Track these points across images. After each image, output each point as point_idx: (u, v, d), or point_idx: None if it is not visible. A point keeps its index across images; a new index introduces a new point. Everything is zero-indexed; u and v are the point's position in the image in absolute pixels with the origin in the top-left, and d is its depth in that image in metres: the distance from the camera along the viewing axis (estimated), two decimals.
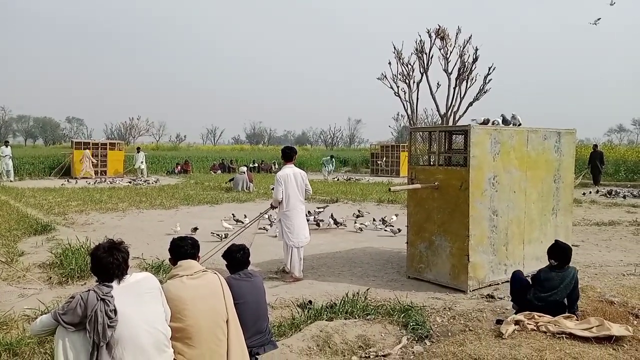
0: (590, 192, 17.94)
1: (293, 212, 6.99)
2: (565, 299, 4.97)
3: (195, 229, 10.09)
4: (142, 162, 26.05)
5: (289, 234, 6.98)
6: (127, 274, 3.22)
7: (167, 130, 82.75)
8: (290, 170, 7.03)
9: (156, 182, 22.45)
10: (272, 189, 7.64)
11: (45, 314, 3.52)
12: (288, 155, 7.15)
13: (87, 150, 25.27)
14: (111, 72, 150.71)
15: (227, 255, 4.33)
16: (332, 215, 11.55)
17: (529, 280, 5.26)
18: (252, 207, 13.96)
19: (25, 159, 26.48)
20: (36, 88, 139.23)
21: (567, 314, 4.80)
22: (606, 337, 4.35)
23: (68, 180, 22.68)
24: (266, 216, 10.48)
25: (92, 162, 25.13)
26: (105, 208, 13.67)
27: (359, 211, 12.56)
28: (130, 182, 22.57)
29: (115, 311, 3.01)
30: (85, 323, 2.96)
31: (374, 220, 11.43)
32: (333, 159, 31.60)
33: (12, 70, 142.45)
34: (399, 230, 10.06)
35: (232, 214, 11.98)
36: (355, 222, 11.26)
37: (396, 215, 11.70)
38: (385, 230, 10.62)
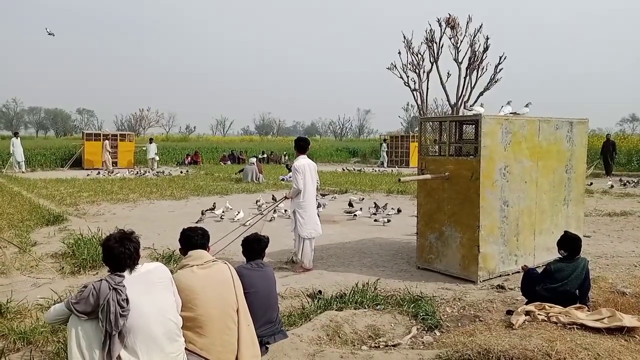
0: (612, 186, 17.15)
1: (308, 203, 6.99)
2: (577, 290, 4.94)
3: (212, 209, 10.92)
4: (155, 153, 26.19)
5: (303, 225, 6.95)
6: (138, 264, 3.25)
7: (176, 121, 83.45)
8: (306, 161, 7.03)
9: (165, 174, 22.47)
10: (282, 179, 7.68)
11: (59, 303, 3.57)
12: (303, 147, 7.16)
13: (107, 141, 25.26)
14: (121, 63, 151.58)
15: (245, 243, 4.38)
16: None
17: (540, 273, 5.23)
18: (262, 197, 13.98)
19: (37, 150, 26.70)
20: (47, 80, 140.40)
21: (578, 305, 4.78)
22: (618, 328, 4.31)
23: (99, 172, 22.30)
24: (280, 206, 10.70)
25: (109, 152, 25.07)
26: (116, 199, 13.77)
27: (349, 205, 12.52)
28: (137, 174, 22.32)
29: (127, 300, 3.04)
30: (98, 312, 2.99)
31: (377, 207, 11.68)
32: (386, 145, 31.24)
33: (23, 62, 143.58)
34: (389, 221, 10.36)
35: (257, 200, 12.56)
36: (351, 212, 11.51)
37: (395, 209, 11.80)
38: (376, 221, 10.63)
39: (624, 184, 17.44)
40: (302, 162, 6.99)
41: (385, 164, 29.57)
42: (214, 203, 12.06)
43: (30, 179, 18.80)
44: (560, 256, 5.06)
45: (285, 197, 7.31)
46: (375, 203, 12.04)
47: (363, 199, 13.76)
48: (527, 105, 6.87)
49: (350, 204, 12.32)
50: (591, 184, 16.87)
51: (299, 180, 6.88)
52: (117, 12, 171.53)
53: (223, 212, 11.16)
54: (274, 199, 12.27)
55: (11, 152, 22.89)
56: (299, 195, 6.94)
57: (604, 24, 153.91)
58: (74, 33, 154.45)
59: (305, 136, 7.86)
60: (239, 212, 10.81)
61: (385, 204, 12.04)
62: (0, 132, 79.44)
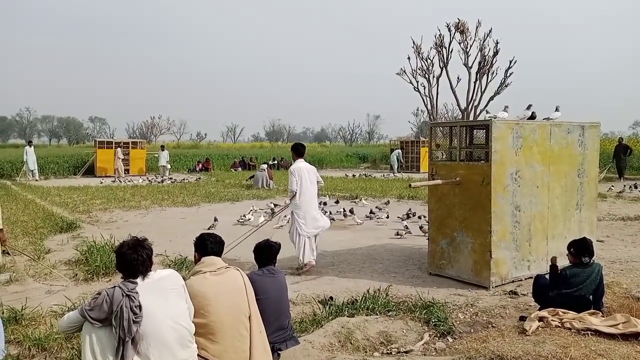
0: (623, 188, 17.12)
1: (305, 204, 7.23)
2: (591, 295, 4.90)
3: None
4: (167, 160, 26.35)
5: (301, 224, 7.18)
6: (151, 271, 3.28)
7: (187, 129, 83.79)
8: (302, 164, 7.35)
9: (176, 181, 22.60)
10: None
11: (72, 310, 3.60)
12: (299, 151, 7.49)
13: (119, 149, 25.47)
14: (133, 72, 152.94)
15: (256, 250, 4.40)
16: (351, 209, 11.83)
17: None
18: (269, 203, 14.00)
19: (50, 159, 26.98)
20: (60, 89, 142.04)
21: (592, 311, 4.73)
22: (633, 334, 4.26)
23: (114, 180, 22.50)
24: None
25: (120, 158, 25.20)
26: (129, 206, 13.88)
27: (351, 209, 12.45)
28: (150, 181, 22.48)
29: (140, 307, 3.06)
30: (111, 319, 3.02)
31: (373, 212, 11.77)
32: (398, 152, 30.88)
33: (36, 72, 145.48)
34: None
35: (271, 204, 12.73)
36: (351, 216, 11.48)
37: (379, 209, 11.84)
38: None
39: (629, 188, 17.04)
40: (298, 165, 7.32)
41: (396, 169, 29.44)
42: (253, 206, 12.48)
43: (44, 187, 19.00)
44: (570, 261, 5.03)
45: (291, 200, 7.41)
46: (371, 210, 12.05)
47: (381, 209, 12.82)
48: (557, 110, 6.89)
49: (372, 212, 12.11)
50: (612, 187, 16.70)
51: (293, 182, 7.21)
52: (129, 21, 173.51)
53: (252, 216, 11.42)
54: (272, 210, 12.09)
55: (24, 160, 23.19)
56: (295, 196, 7.21)
57: (615, 25, 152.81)
58: (85, 42, 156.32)
59: (311, 142, 8.08)
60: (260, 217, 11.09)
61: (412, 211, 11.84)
62: (14, 141, 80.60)
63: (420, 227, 9.79)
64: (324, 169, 32.92)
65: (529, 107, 6.76)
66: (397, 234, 9.68)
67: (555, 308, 4.78)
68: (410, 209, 12.03)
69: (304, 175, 7.24)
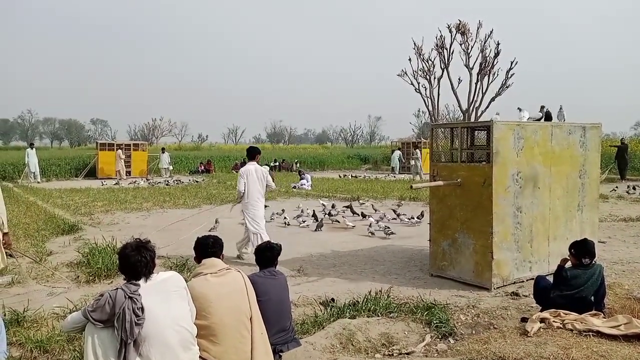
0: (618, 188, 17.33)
1: (254, 203, 7.80)
2: (592, 297, 4.90)
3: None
4: (168, 162, 26.43)
5: (254, 221, 7.81)
6: (153, 273, 3.28)
7: (189, 131, 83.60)
8: (252, 167, 7.87)
9: (182, 182, 22.64)
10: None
11: (75, 311, 3.61)
12: (251, 154, 8.03)
13: (119, 151, 25.50)
14: (134, 74, 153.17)
15: (257, 252, 4.41)
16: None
17: (551, 281, 5.18)
18: (273, 205, 14.00)
19: (52, 161, 27.02)
20: (61, 91, 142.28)
21: (593, 312, 4.73)
22: (635, 335, 4.26)
23: (117, 183, 22.46)
24: (308, 211, 12.10)
25: (122, 158, 25.23)
26: (130, 208, 13.88)
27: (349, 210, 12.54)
28: (150, 183, 22.48)
29: (142, 309, 3.07)
30: (114, 320, 3.03)
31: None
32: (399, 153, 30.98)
33: (38, 74, 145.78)
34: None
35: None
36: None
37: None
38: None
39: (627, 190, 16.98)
40: (248, 167, 7.88)
41: (397, 171, 29.48)
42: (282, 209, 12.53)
43: (46, 189, 19.03)
44: (571, 263, 5.03)
45: (238, 200, 7.93)
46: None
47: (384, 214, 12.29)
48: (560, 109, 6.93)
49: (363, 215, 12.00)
50: (616, 188, 16.71)
51: (241, 183, 7.77)
52: (131, 24, 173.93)
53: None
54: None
55: (26, 162, 23.24)
56: (244, 196, 7.77)
57: (617, 25, 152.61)
58: (87, 44, 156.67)
59: (255, 145, 8.82)
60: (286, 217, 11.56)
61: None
62: (15, 143, 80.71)
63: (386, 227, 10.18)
64: (325, 171, 32.94)
65: (542, 109, 6.81)
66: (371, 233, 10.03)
67: (557, 309, 4.78)
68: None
69: (252, 176, 7.77)
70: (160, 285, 3.25)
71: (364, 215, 11.58)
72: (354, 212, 11.80)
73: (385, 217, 11.71)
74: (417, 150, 27.27)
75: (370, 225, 10.40)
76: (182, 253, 7.93)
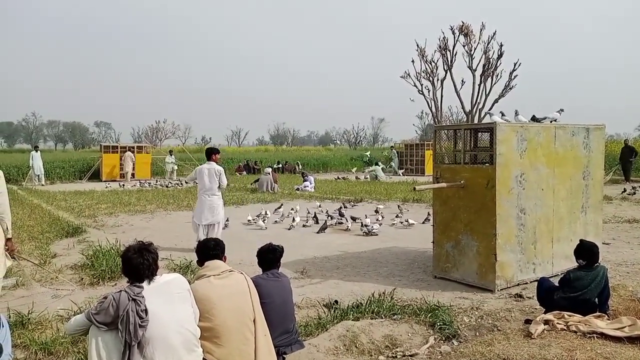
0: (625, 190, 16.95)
1: (201, 198, 8.61)
2: (596, 298, 4.88)
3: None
4: (174, 164, 26.55)
5: (195, 214, 8.68)
6: (157, 275, 3.29)
7: (192, 133, 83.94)
8: (205, 166, 8.68)
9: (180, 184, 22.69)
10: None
11: (79, 314, 3.62)
12: (208, 154, 8.82)
13: (130, 153, 25.55)
14: (138, 76, 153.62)
15: (259, 254, 4.41)
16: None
17: (556, 284, 5.17)
18: (272, 205, 14.00)
19: (56, 163, 27.08)
20: (65, 94, 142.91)
21: (597, 314, 4.72)
22: (639, 337, 4.25)
23: (122, 185, 22.63)
24: (313, 212, 12.41)
25: (133, 161, 25.37)
26: (134, 210, 13.91)
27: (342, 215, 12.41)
28: (149, 185, 22.50)
29: (146, 311, 3.08)
30: (118, 323, 3.04)
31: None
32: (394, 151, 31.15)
33: (42, 77, 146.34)
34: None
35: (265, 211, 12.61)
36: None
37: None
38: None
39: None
40: (202, 166, 8.75)
41: (397, 169, 29.37)
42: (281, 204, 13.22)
43: (50, 192, 19.08)
44: (577, 264, 5.02)
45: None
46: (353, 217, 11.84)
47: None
48: (559, 111, 6.97)
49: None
50: (624, 190, 16.60)
51: (190, 177, 9.41)
52: (134, 27, 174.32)
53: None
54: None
55: (30, 165, 23.33)
56: (198, 191, 8.73)
57: (621, 26, 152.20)
58: (91, 47, 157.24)
59: (214, 146, 9.79)
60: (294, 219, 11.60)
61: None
62: (20, 146, 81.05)
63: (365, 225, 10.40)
64: (329, 172, 32.93)
65: (560, 111, 6.88)
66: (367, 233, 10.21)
67: (561, 311, 4.77)
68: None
69: (203, 174, 8.59)
70: (163, 287, 3.26)
71: (353, 219, 11.49)
72: (342, 215, 11.65)
73: (383, 218, 11.76)
74: (393, 149, 29.50)
75: (362, 225, 10.62)
76: (185, 255, 7.93)
